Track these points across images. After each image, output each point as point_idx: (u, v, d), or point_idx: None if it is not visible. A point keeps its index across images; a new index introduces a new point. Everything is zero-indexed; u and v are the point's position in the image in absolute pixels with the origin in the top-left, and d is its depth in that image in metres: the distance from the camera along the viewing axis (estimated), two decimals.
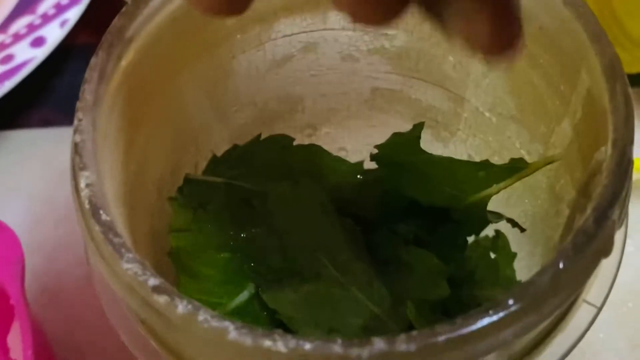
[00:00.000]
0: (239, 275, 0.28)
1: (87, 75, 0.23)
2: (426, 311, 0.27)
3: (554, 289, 0.20)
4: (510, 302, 0.19)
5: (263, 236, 0.29)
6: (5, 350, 0.34)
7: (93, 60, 0.23)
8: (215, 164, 0.30)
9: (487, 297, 0.29)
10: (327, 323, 0.28)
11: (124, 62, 0.24)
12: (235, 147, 0.31)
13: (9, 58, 0.40)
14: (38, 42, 0.40)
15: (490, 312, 0.19)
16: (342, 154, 0.35)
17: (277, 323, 0.28)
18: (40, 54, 0.39)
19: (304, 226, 0.29)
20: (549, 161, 0.26)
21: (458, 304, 0.29)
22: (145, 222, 0.28)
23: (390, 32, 0.30)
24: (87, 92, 0.23)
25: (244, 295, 0.28)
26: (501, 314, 0.19)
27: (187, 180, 0.29)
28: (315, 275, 0.28)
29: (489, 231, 0.31)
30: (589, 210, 0.21)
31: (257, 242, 0.29)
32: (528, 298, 0.19)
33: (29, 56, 0.39)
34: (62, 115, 0.43)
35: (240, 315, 0.28)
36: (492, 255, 0.32)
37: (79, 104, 0.23)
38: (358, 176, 0.32)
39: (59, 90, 0.44)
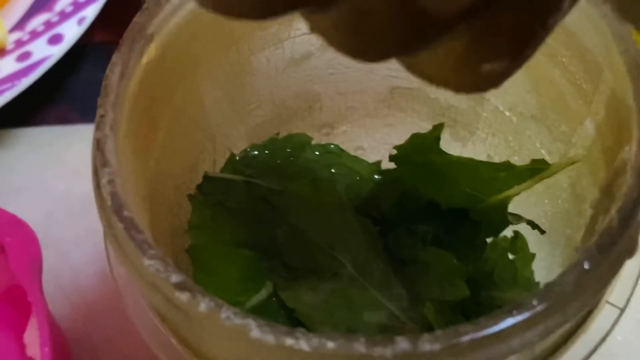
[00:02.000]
0: (257, 274, 0.28)
1: (108, 71, 0.23)
2: (445, 312, 0.27)
3: (578, 289, 0.19)
4: (535, 302, 0.19)
5: (281, 234, 0.29)
6: (22, 347, 0.34)
7: (115, 57, 0.23)
8: (234, 162, 0.30)
9: (505, 298, 0.29)
10: (345, 322, 0.27)
11: (145, 59, 0.24)
12: (253, 145, 0.31)
13: (27, 55, 0.40)
14: (55, 40, 0.40)
15: (514, 312, 0.19)
16: (359, 153, 0.34)
17: (295, 322, 0.28)
18: (57, 52, 0.39)
19: (322, 225, 0.29)
20: (571, 162, 0.26)
21: (476, 305, 0.29)
22: (164, 220, 0.28)
23: None
24: (109, 88, 0.23)
25: (262, 294, 0.28)
26: (525, 315, 0.19)
27: (207, 177, 0.29)
28: (333, 274, 0.28)
29: (507, 231, 0.31)
30: (613, 211, 0.21)
31: (276, 241, 0.29)
32: (553, 299, 0.19)
33: (46, 54, 0.39)
34: (78, 112, 0.43)
35: (258, 313, 0.28)
36: (511, 256, 0.31)
37: (100, 100, 0.23)
38: (376, 176, 0.32)
39: (74, 88, 0.44)
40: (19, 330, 0.34)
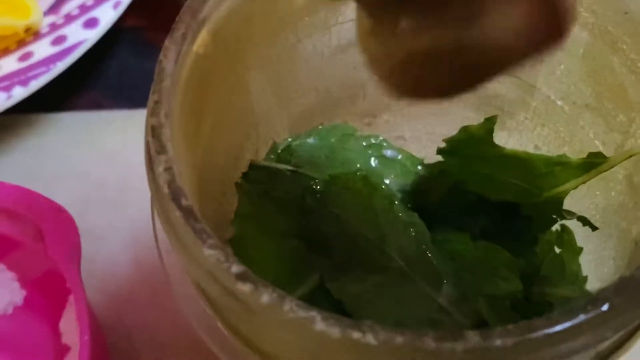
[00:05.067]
0: (303, 265, 0.28)
1: (162, 56, 0.23)
2: (498, 307, 0.26)
3: None
4: (612, 295, 0.18)
5: (328, 226, 0.28)
6: (57, 334, 0.34)
7: (168, 41, 0.23)
8: (277, 151, 0.30)
9: (555, 294, 0.29)
10: (393, 316, 0.27)
11: (197, 44, 0.24)
12: (296, 134, 0.30)
13: (62, 39, 0.39)
14: (91, 23, 0.39)
15: (589, 307, 0.18)
16: (400, 143, 0.34)
17: (342, 314, 0.27)
18: (93, 36, 0.39)
19: (369, 217, 0.28)
20: (630, 154, 0.25)
21: (525, 301, 0.28)
22: (209, 210, 0.27)
23: None
24: (164, 73, 0.22)
25: (307, 286, 0.28)
26: (601, 309, 0.18)
27: (252, 166, 0.28)
28: (381, 267, 0.27)
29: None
30: None
31: (322, 232, 0.28)
32: (629, 292, 0.18)
33: (82, 37, 0.39)
34: (111, 98, 0.43)
35: None
36: (557, 250, 0.31)
37: (154, 86, 0.22)
38: (419, 167, 0.32)
39: (107, 73, 0.43)
40: (54, 317, 0.34)
